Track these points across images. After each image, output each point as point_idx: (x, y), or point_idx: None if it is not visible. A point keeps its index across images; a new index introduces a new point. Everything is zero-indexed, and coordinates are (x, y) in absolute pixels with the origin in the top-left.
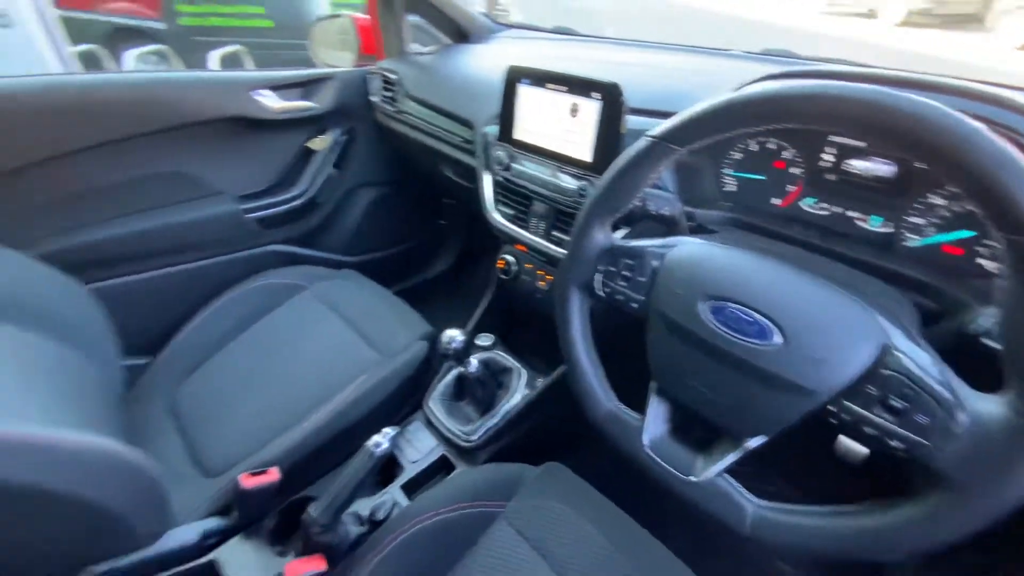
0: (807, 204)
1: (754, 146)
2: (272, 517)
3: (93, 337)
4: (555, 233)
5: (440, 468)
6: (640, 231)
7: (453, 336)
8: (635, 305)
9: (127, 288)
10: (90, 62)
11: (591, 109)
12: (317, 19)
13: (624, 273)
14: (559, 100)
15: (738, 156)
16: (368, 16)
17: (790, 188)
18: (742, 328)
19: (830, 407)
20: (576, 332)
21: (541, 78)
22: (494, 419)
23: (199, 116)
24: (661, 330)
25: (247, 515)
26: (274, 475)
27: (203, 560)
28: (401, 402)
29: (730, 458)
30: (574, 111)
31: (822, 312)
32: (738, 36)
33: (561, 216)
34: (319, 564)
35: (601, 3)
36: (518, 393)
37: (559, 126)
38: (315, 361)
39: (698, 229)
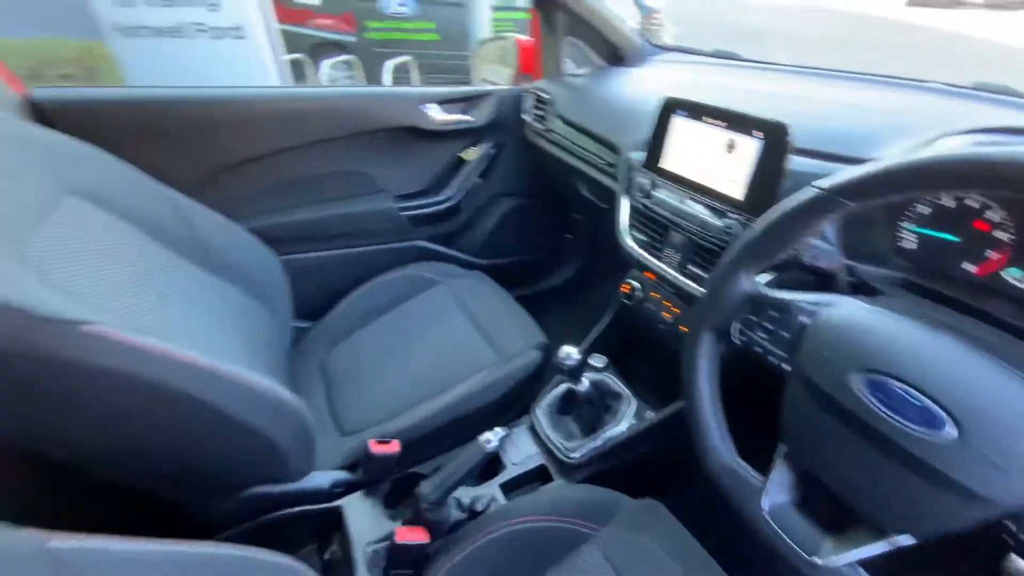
0: (1011, 276)
1: (949, 201)
2: (388, 482)
3: (278, 299)
4: (690, 267)
5: (537, 476)
6: (789, 280)
7: (569, 353)
8: (774, 360)
9: (305, 263)
10: (297, 68)
11: (750, 147)
12: (482, 40)
13: (766, 325)
14: (715, 135)
15: (925, 210)
16: (530, 38)
17: (991, 254)
18: (905, 411)
19: (1007, 523)
20: (702, 376)
21: (698, 111)
22: (596, 442)
23: (378, 124)
24: (802, 394)
25: (370, 476)
26: (395, 447)
27: (331, 504)
28: (510, 404)
29: (869, 550)
30: (730, 147)
31: (1012, 410)
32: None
33: (699, 251)
34: (423, 536)
35: (777, 20)
36: (625, 422)
37: (711, 160)
38: (440, 350)
39: (860, 287)
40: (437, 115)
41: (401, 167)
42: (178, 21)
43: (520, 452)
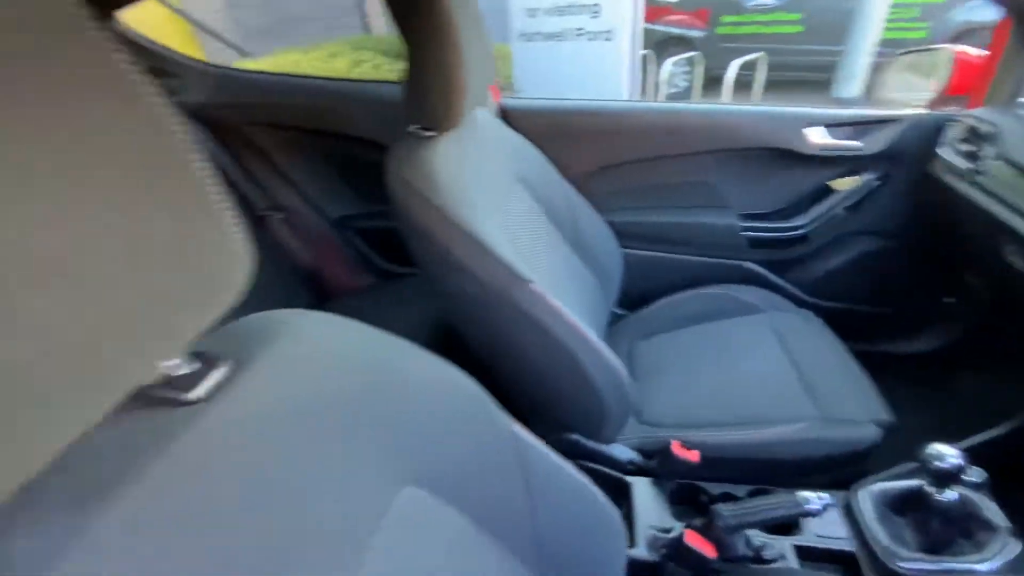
0: None
1: None
2: (674, 482)
3: (612, 285)
4: None
5: (841, 561)
6: None
7: (944, 454)
8: None
9: (637, 258)
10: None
11: None
12: (903, 51)
13: None
14: None
15: None
16: (981, 51)
17: None
18: None
19: None
20: None
21: None
22: (944, 566)
23: (749, 143)
24: None
25: (663, 470)
26: (696, 457)
27: (624, 477)
28: (825, 469)
29: None
30: None
31: None
32: None
33: None
34: (710, 550)
35: None
36: (991, 563)
37: None
38: (749, 381)
39: None
40: (817, 139)
41: (755, 186)
42: (563, 27)
43: (825, 524)
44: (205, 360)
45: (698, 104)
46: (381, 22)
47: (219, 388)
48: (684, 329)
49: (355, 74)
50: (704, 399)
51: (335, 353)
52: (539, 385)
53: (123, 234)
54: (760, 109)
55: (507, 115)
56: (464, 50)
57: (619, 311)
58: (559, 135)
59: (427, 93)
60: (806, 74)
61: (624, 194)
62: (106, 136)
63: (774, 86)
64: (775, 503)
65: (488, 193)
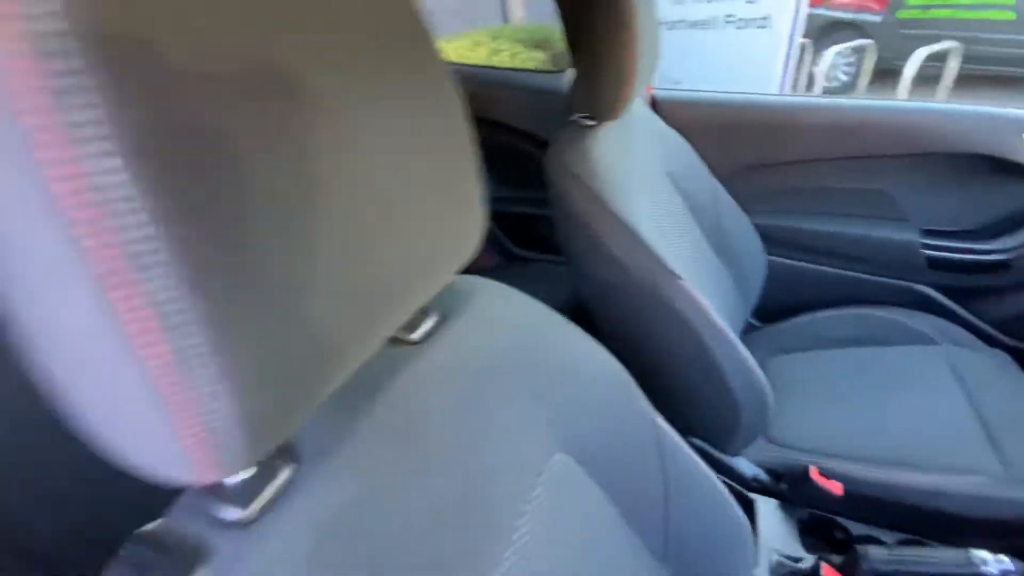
0: None
1: None
2: (805, 511)
3: (751, 292)
4: None
5: None
6: None
7: None
8: None
9: (785, 267)
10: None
11: None
12: None
13: None
14: None
15: None
16: None
17: None
18: None
19: None
20: None
21: None
22: None
23: (951, 148)
24: None
25: (794, 495)
26: (838, 490)
27: (748, 493)
28: (1000, 534)
29: None
30: None
31: None
32: None
33: None
34: None
35: None
36: None
37: None
38: (912, 417)
39: None
40: None
41: (943, 198)
42: (712, 14)
43: None
44: (420, 308)
45: (878, 100)
46: (521, 13)
47: (429, 335)
48: (832, 350)
49: (494, 62)
50: (852, 428)
51: (511, 320)
52: (674, 384)
53: (427, 188)
54: (965, 108)
55: (657, 106)
56: (639, 41)
57: (755, 322)
58: (711, 129)
59: (597, 83)
60: (1012, 69)
61: (778, 196)
62: (429, 120)
63: (966, 83)
64: (939, 558)
65: (642, 185)
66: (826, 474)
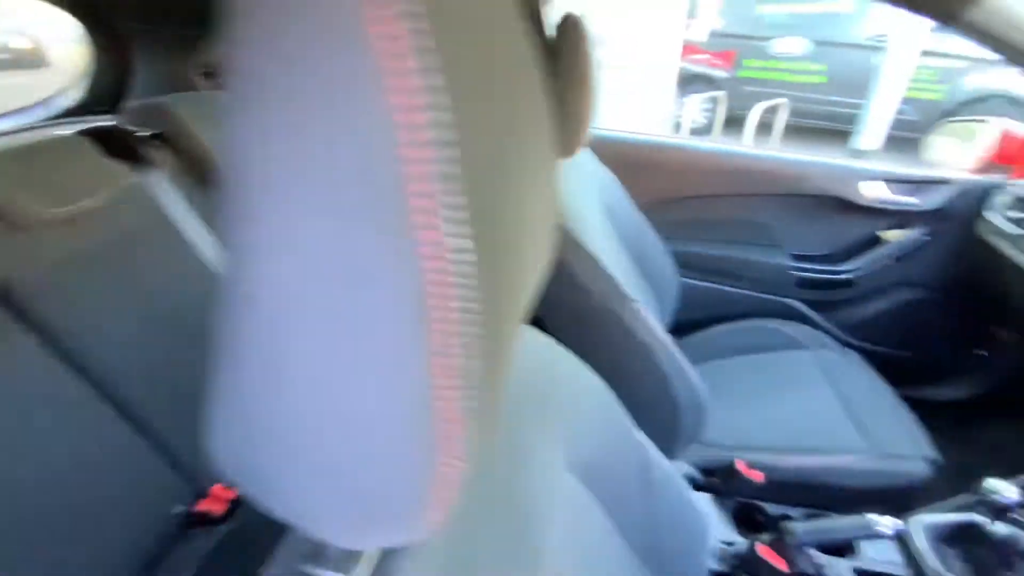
0: None
1: None
2: (734, 500)
3: (667, 308)
4: None
5: None
6: None
7: (1000, 489)
8: None
9: (689, 287)
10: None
11: None
12: (950, 119)
13: None
14: None
15: None
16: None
17: None
18: None
19: None
20: None
21: None
22: None
23: (810, 191)
24: None
25: (726, 488)
26: (760, 478)
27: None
28: (878, 500)
29: None
30: None
31: None
32: None
33: None
34: (783, 565)
35: None
36: None
37: None
38: (800, 413)
39: None
40: (869, 192)
41: (807, 229)
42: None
43: (879, 549)
44: None
45: (764, 151)
46: None
47: None
48: (734, 358)
49: None
50: (762, 424)
51: (524, 349)
52: (623, 395)
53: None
54: (822, 161)
55: (592, 145)
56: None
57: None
58: (631, 165)
59: (561, 123)
60: (825, 123)
61: (684, 225)
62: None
63: (793, 132)
64: (846, 524)
65: (591, 216)
66: (752, 467)
